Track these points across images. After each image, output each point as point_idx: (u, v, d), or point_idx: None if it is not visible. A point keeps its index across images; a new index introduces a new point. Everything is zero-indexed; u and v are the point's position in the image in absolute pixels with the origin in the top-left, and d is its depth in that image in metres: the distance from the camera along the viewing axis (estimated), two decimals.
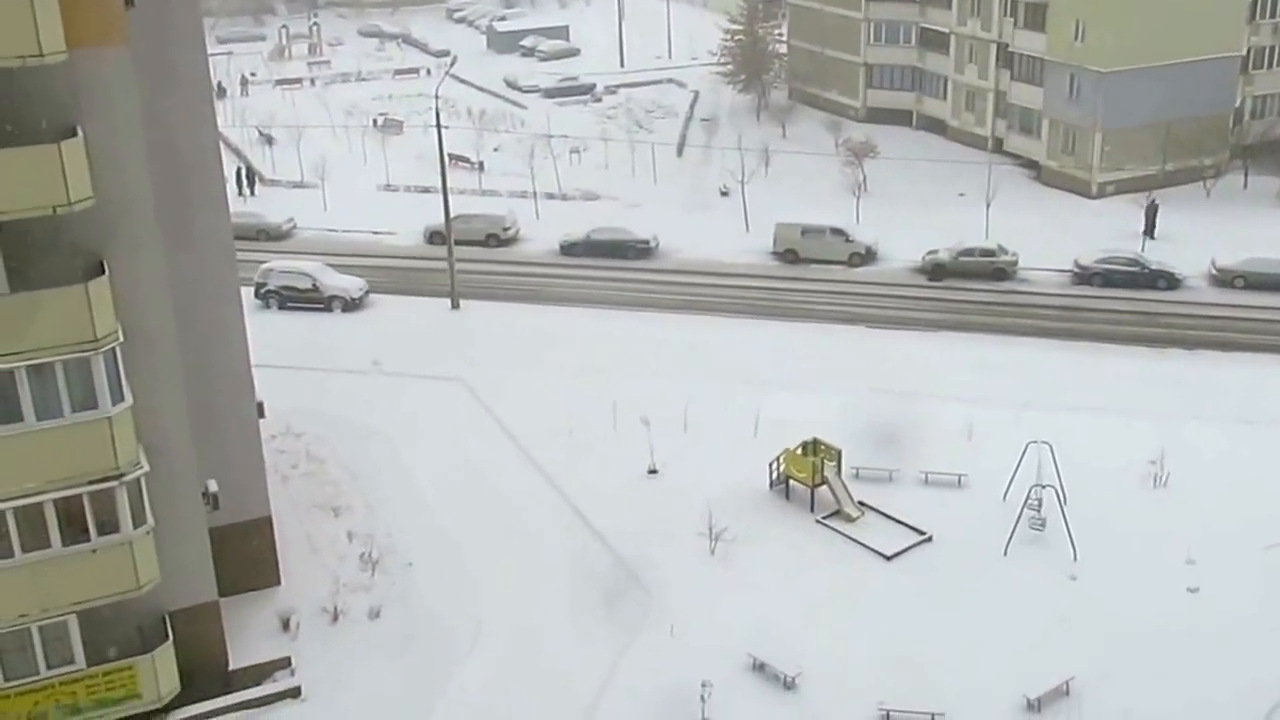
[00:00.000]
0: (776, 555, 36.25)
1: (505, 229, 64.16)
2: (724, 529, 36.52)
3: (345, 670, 31.82)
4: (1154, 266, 56.57)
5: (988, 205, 62.22)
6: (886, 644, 32.16)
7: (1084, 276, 57.13)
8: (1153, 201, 62.03)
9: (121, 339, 27.25)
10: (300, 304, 55.32)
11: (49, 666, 28.82)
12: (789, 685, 30.94)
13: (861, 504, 38.35)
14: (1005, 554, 35.84)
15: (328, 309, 55.29)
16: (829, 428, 40.49)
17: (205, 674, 30.76)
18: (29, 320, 26.04)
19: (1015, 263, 58.25)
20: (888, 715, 29.59)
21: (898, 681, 30.52)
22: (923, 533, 36.99)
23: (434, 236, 62.86)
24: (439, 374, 48.08)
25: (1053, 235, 61.43)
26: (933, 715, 29.45)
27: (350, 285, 56.14)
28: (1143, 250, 58.48)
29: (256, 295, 54.44)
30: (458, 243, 57.25)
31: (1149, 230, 61.41)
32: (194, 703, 30.37)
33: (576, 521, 38.19)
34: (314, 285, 55.51)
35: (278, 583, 34.82)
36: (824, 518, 38.01)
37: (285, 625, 33.23)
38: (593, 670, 31.67)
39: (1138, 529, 36.65)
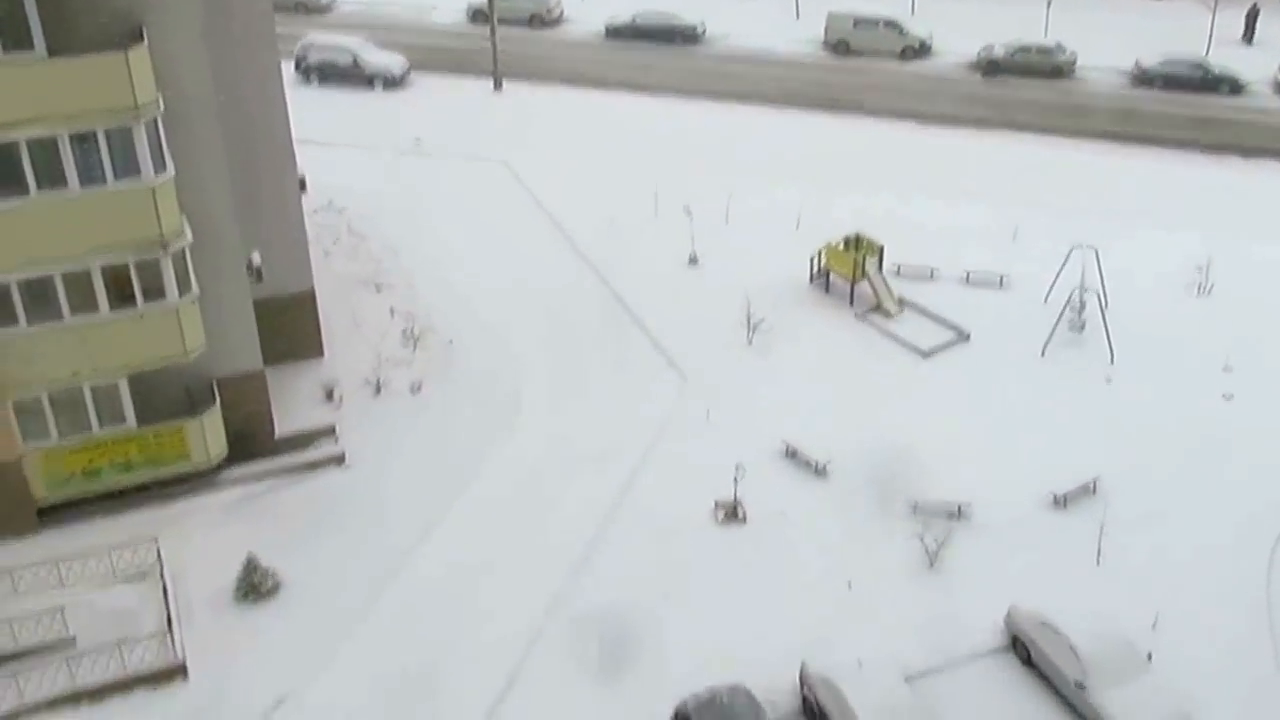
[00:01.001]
0: (813, 348, 36.55)
1: (549, 10, 62.73)
2: (762, 320, 36.78)
3: (388, 441, 32.70)
4: (1217, 71, 54.88)
5: (1048, 1, 60.15)
6: (918, 437, 32.63)
7: (1144, 78, 55.58)
8: (1254, 5, 59.72)
9: (162, 108, 27.19)
10: (341, 80, 54.69)
11: (101, 425, 29.82)
12: (819, 472, 31.62)
13: (901, 300, 38.41)
14: (1042, 355, 35.98)
15: (369, 86, 54.68)
16: (873, 223, 40.25)
17: (252, 439, 31.70)
18: (69, 85, 25.98)
19: (1073, 62, 56.68)
20: (915, 506, 30.27)
21: (927, 474, 31.12)
22: (961, 331, 37.12)
23: (476, 15, 61.58)
24: (481, 155, 47.87)
25: (1114, 35, 59.51)
26: (959, 507, 30.11)
27: (392, 62, 55.35)
28: (1205, 54, 56.59)
29: (296, 69, 53.89)
30: (501, 22, 56.11)
31: (1248, 35, 59.39)
32: (242, 465, 31.47)
33: (616, 306, 38.49)
34: (355, 61, 54.78)
35: (321, 355, 35.52)
36: (863, 313, 38.15)
37: (329, 396, 34.01)
38: (629, 449, 32.44)
39: (1177, 335, 36.64)
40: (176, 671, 26.27)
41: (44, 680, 25.85)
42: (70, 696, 25.79)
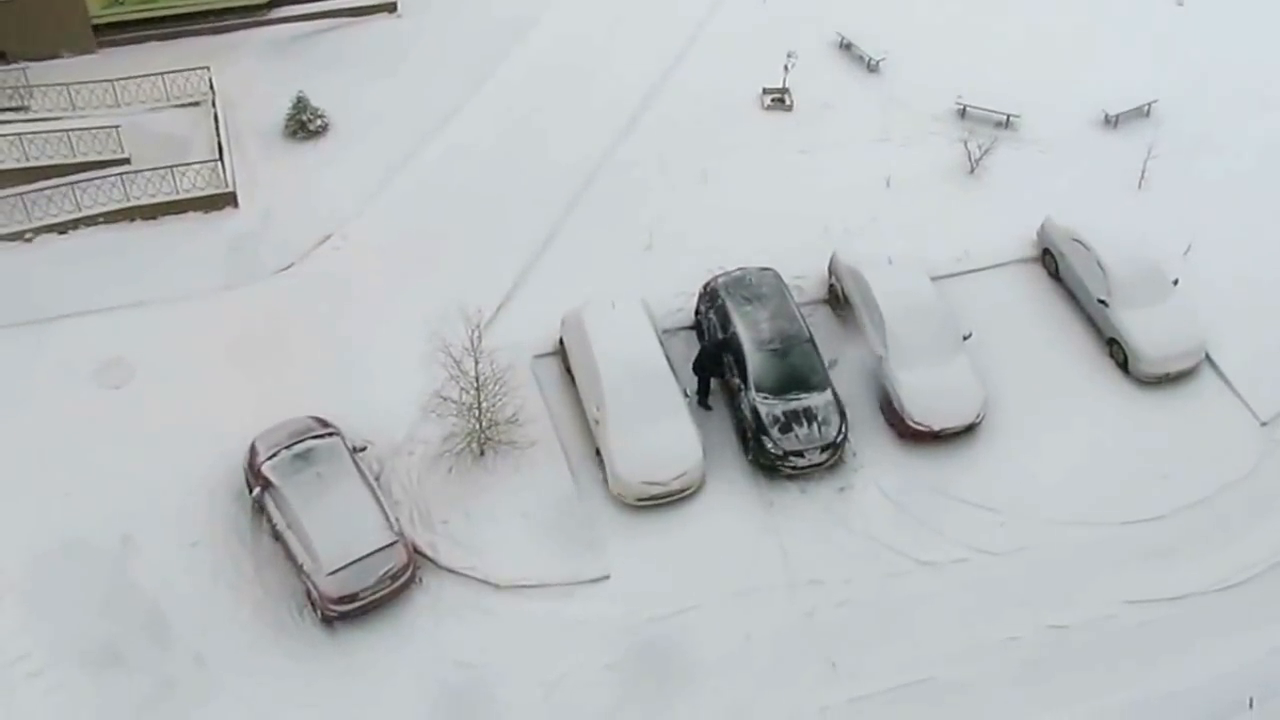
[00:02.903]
0: None
1: None
2: None
3: None
4: None
5: None
6: (976, 42, 29.37)
7: None
8: None
9: None
10: None
11: None
12: (872, 68, 28.78)
13: None
14: None
15: None
16: None
17: None
18: None
19: None
20: (964, 110, 27.64)
21: (980, 79, 28.12)
22: None
23: None
24: None
25: None
26: (1008, 116, 27.44)
27: None
28: None
29: None
30: None
31: None
32: (294, 3, 28.78)
33: None
34: None
35: None
36: None
37: None
38: (680, 24, 29.54)
39: None
40: (226, 199, 24.94)
41: (100, 194, 24.62)
42: (125, 211, 24.65)
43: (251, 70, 27.40)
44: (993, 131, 27.01)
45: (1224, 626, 19.66)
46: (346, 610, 19.07)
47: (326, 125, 26.24)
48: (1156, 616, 19.75)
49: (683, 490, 20.73)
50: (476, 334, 20.14)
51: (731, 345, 21.83)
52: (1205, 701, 18.92)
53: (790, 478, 21.11)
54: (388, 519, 19.70)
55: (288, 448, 20.17)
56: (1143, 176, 26.03)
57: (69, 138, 25.09)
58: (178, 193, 24.66)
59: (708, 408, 22.05)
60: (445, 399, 20.59)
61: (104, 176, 24.67)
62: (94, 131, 25.23)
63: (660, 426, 20.73)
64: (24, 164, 24.84)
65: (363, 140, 26.15)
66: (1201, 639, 19.54)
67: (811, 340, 21.99)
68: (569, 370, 22.16)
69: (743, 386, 21.55)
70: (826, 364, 21.82)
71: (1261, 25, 30.32)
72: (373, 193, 25.14)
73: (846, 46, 29.21)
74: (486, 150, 26.17)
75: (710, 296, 22.75)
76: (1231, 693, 18.93)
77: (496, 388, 20.60)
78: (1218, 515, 20.85)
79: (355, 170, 25.54)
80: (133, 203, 24.54)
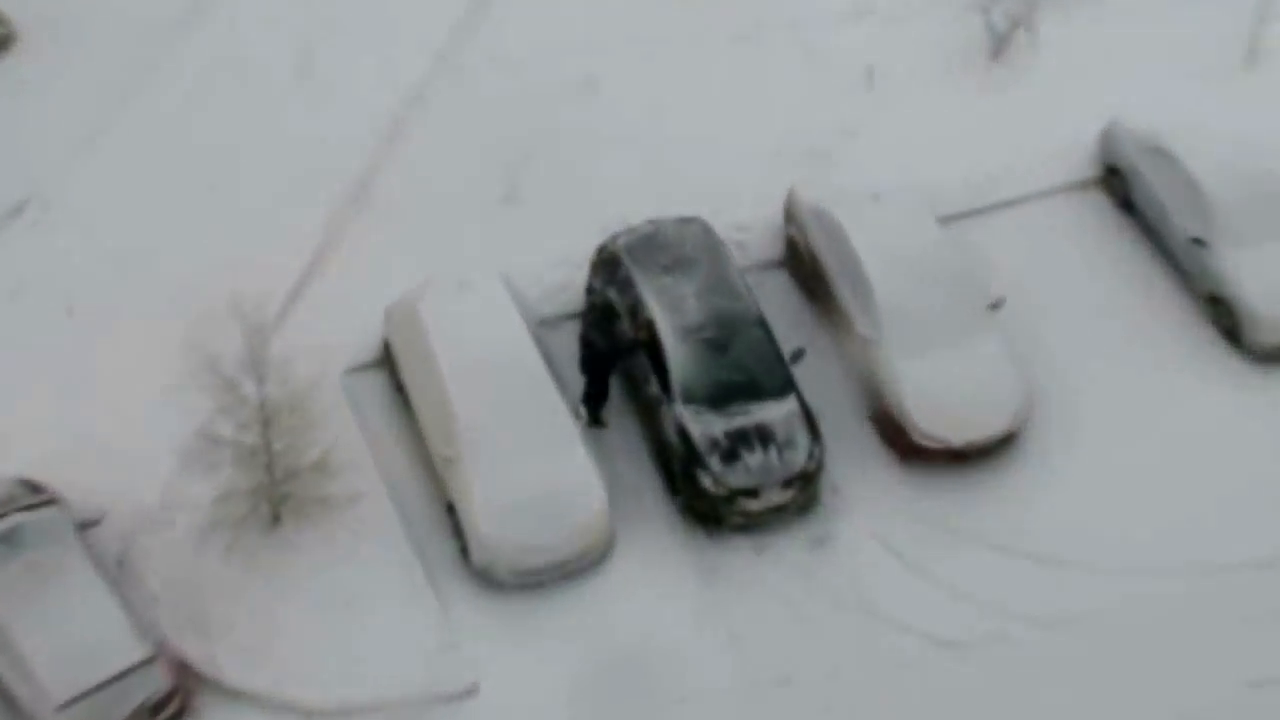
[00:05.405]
0: None
1: None
2: None
3: None
4: None
5: None
6: None
7: None
8: None
9: None
10: None
11: None
12: None
13: None
14: None
15: None
16: None
17: None
18: None
19: None
20: None
21: None
22: None
23: None
24: None
25: None
26: None
27: None
28: None
29: None
30: None
31: None
32: None
33: None
34: None
35: None
36: None
37: None
38: None
39: None
40: None
41: None
42: None
43: None
44: None
45: None
46: None
47: (10, 35, 28.31)
48: None
49: (580, 557, 22.88)
50: (258, 340, 22.11)
51: (642, 335, 23.89)
52: None
53: (741, 528, 23.32)
54: (139, 625, 21.59)
55: None
56: (1253, 47, 28.65)
57: None
58: None
59: (601, 424, 24.16)
60: (215, 440, 22.45)
61: None
62: None
63: (541, 463, 22.72)
64: None
65: (69, 58, 28.19)
66: None
67: (763, 323, 24.21)
68: (400, 388, 24.33)
69: (663, 397, 23.69)
70: (787, 357, 24.04)
71: None
72: (88, 136, 27.16)
73: None
74: (257, 64, 28.38)
75: (608, 265, 24.81)
76: None
77: (292, 419, 22.50)
78: None
79: (60, 104, 27.57)
80: None
